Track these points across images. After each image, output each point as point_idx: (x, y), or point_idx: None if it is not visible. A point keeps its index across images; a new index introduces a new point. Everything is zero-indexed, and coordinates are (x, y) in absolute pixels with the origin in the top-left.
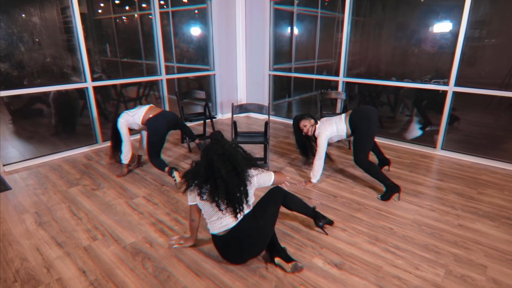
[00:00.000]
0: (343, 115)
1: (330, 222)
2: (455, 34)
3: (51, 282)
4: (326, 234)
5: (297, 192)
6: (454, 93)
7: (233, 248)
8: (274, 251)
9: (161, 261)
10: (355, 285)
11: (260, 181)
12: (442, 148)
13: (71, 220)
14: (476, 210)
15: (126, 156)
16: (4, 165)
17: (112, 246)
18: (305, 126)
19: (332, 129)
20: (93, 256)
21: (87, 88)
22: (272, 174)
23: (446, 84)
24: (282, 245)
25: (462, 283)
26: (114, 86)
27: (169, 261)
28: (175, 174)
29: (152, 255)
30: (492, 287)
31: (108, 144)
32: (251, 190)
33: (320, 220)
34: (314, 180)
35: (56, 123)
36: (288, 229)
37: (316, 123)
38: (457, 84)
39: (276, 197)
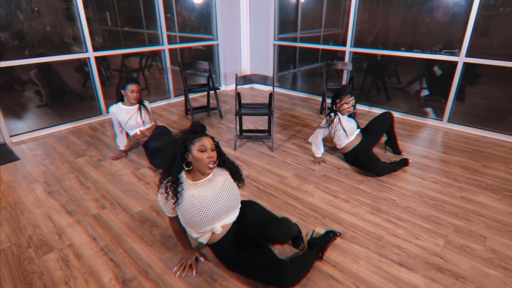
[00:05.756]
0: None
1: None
2: (469, 1)
3: (64, 248)
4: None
5: (302, 164)
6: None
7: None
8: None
9: (168, 228)
10: (356, 253)
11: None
12: (448, 121)
13: (79, 189)
14: (480, 183)
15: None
16: (11, 136)
17: (120, 215)
18: (347, 103)
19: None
20: (102, 223)
21: (88, 58)
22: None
23: (457, 54)
24: (285, 215)
25: (461, 252)
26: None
27: None
28: None
29: (159, 223)
30: (490, 257)
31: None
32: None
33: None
34: (317, 155)
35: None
36: (291, 199)
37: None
38: (468, 55)
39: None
